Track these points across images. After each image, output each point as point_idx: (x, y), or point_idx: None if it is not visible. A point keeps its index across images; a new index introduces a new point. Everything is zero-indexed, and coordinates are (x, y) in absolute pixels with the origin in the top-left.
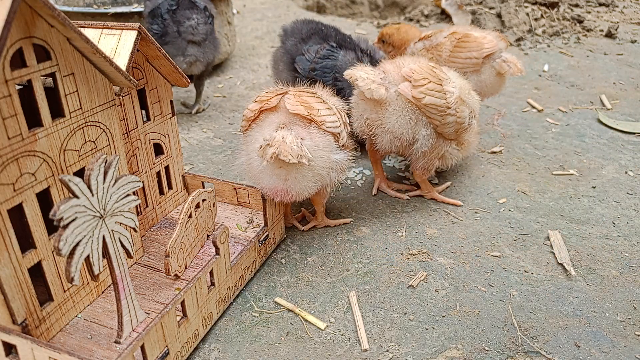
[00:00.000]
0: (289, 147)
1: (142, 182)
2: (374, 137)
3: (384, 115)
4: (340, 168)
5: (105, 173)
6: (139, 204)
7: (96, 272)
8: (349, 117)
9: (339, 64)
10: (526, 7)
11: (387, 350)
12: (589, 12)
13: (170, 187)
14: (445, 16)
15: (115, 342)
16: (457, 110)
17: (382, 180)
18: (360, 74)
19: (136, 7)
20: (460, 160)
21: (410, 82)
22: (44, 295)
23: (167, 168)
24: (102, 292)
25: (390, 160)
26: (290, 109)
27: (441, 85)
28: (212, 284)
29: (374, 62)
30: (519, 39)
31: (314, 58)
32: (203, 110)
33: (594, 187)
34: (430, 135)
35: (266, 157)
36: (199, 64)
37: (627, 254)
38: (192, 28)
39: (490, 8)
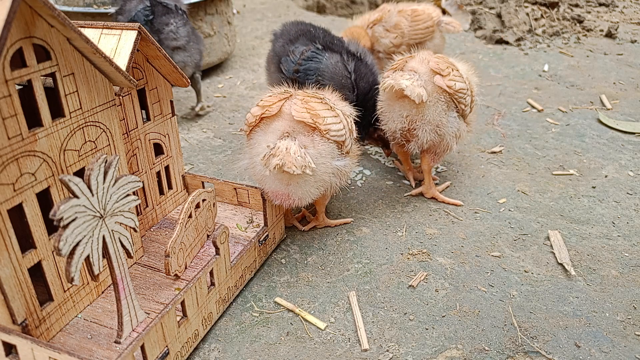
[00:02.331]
0: (292, 158)
1: (142, 182)
2: (414, 131)
3: (424, 109)
4: (341, 173)
5: (105, 173)
6: (139, 204)
7: (96, 272)
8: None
9: (322, 66)
10: (526, 7)
11: (387, 350)
12: (589, 12)
13: (170, 187)
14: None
15: (115, 342)
16: (471, 91)
17: (414, 173)
18: (405, 83)
19: None
20: (460, 160)
21: (439, 73)
22: (44, 295)
23: (167, 168)
24: (102, 292)
25: (389, 162)
26: (296, 116)
27: (458, 70)
28: (212, 284)
29: (363, 65)
30: (519, 39)
31: (298, 59)
32: (208, 107)
33: (594, 187)
34: (457, 117)
35: (270, 167)
36: (188, 68)
37: (627, 254)
38: (173, 33)
39: (490, 8)
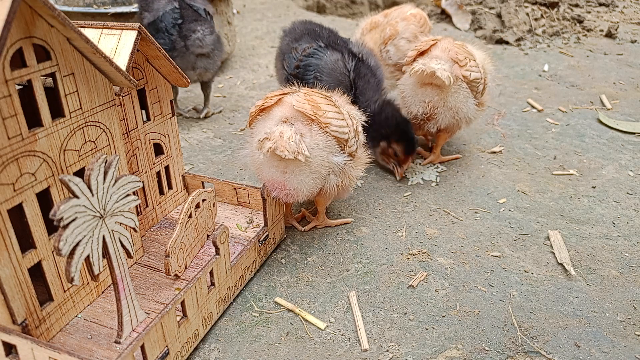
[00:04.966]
0: (285, 142)
1: (142, 182)
2: (434, 116)
3: (446, 96)
4: (342, 172)
5: (105, 173)
6: (139, 204)
7: (96, 272)
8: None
9: (321, 63)
10: (526, 7)
11: (387, 350)
12: (589, 12)
13: (170, 187)
14: (445, 16)
15: (115, 342)
16: (485, 78)
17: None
18: (436, 67)
19: (136, 7)
20: (460, 160)
21: (457, 63)
22: (44, 295)
23: (167, 168)
24: (102, 292)
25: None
26: (296, 106)
27: (475, 60)
28: (212, 284)
29: (364, 66)
30: (519, 39)
31: (299, 56)
32: (213, 114)
33: (594, 187)
34: (474, 104)
35: (263, 151)
36: (209, 73)
37: (627, 254)
38: (199, 40)
39: (490, 8)
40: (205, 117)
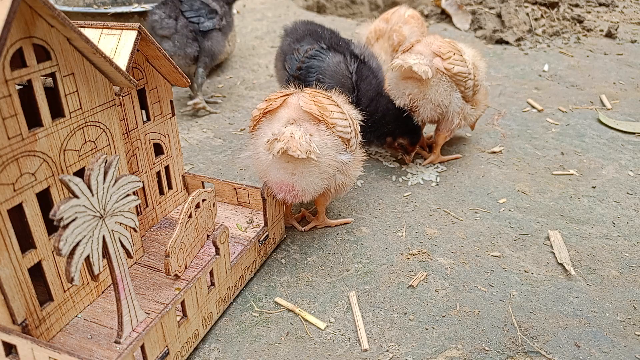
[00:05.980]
0: (297, 142)
1: (142, 182)
2: (416, 108)
3: (426, 89)
4: (346, 170)
5: (105, 173)
6: (139, 204)
7: (96, 272)
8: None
9: (324, 65)
10: (526, 7)
11: (387, 350)
12: (589, 12)
13: (170, 187)
14: (445, 16)
15: (115, 342)
16: (475, 75)
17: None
18: (413, 61)
19: (136, 7)
20: (460, 160)
21: (440, 56)
22: (44, 295)
23: (167, 168)
24: (102, 292)
25: (385, 160)
26: (303, 107)
27: (461, 55)
28: (212, 284)
29: (366, 67)
30: (519, 39)
31: (301, 57)
32: (210, 113)
33: (594, 187)
34: (460, 98)
35: (273, 152)
36: (175, 58)
37: (627, 254)
38: (157, 22)
39: (490, 8)
40: (195, 106)
